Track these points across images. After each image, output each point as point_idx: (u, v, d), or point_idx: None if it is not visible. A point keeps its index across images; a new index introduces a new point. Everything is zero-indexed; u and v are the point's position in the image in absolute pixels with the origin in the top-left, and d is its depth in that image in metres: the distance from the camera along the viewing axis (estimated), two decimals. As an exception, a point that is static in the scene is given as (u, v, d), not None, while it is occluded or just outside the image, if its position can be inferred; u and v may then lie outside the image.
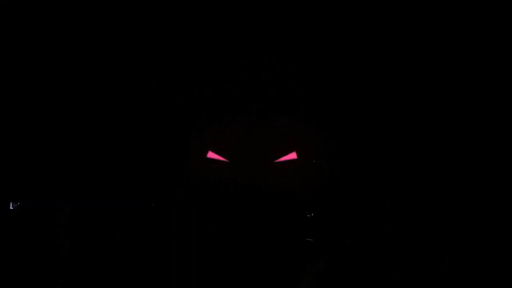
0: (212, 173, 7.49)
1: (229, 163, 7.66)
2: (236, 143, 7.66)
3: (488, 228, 5.97)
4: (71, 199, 6.86)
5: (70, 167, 7.42)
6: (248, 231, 6.21)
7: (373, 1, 7.36)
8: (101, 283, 5.90)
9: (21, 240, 6.28)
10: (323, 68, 7.65)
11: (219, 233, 6.31)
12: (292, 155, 7.59)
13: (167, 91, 7.79)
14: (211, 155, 7.70)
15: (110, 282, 5.90)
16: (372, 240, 5.85)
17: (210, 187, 7.17)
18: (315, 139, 7.51)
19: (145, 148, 7.74)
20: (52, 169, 7.27)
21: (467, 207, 6.22)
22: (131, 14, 7.58)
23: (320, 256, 5.61)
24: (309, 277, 5.32)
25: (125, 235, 6.43)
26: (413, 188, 6.78)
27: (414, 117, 7.38)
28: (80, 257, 6.12)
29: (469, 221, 6.06)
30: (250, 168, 7.52)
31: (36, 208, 6.68)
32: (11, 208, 6.75)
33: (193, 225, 6.63)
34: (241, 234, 6.19)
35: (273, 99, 7.68)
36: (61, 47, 7.65)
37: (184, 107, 7.76)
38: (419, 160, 7.10)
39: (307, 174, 7.29)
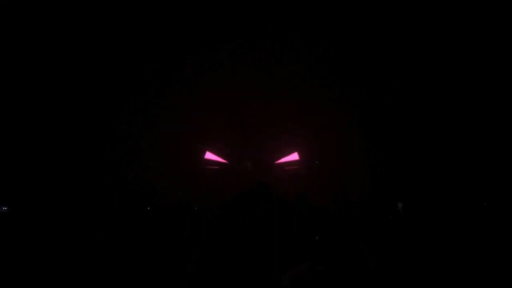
0: (210, 174, 7.14)
1: (228, 164, 7.44)
2: (236, 143, 7.35)
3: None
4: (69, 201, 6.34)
5: (66, 168, 6.93)
6: (247, 233, 5.66)
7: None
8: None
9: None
10: (324, 68, 7.26)
11: (218, 235, 5.77)
12: (294, 156, 7.28)
13: (167, 91, 7.40)
14: (209, 156, 7.39)
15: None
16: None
17: (208, 189, 6.65)
18: (319, 139, 7.13)
19: (143, 148, 7.31)
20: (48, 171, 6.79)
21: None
22: (131, 14, 7.20)
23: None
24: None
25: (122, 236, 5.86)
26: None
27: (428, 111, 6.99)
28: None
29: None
30: (250, 169, 7.25)
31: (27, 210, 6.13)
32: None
33: (193, 227, 6.08)
34: (241, 236, 5.64)
35: (275, 97, 7.30)
36: (61, 47, 7.27)
37: (180, 105, 7.37)
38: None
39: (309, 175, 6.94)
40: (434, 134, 6.94)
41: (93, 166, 7.08)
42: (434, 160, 6.85)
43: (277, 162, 7.27)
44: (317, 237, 5.30)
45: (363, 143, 7.12)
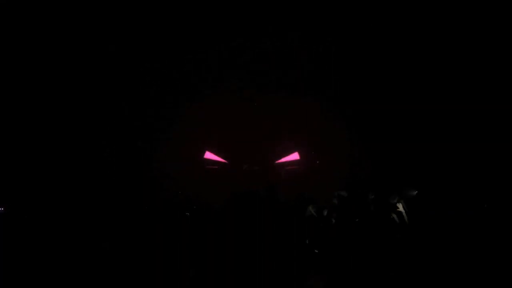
0: (209, 174, 7.05)
1: (228, 164, 7.34)
2: (236, 143, 7.25)
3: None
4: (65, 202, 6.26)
5: (66, 170, 6.86)
6: (246, 234, 5.58)
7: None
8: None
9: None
10: (331, 65, 7.20)
11: (217, 236, 5.69)
12: (295, 156, 7.17)
13: (165, 90, 7.34)
14: (208, 155, 7.28)
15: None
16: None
17: (207, 189, 6.55)
18: (319, 139, 7.05)
19: (141, 149, 7.24)
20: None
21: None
22: (131, 14, 7.15)
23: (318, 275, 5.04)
24: None
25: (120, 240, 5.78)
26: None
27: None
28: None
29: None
30: (249, 169, 7.16)
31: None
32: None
33: (191, 228, 5.99)
34: (240, 236, 5.56)
35: (275, 96, 7.23)
36: (61, 47, 7.21)
37: (179, 105, 7.33)
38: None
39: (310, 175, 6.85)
40: (436, 136, 6.87)
41: (92, 166, 7.01)
42: (435, 161, 6.79)
43: (277, 161, 7.18)
44: (307, 241, 5.23)
45: (363, 143, 7.04)
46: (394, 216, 5.23)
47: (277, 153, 7.14)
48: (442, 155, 6.79)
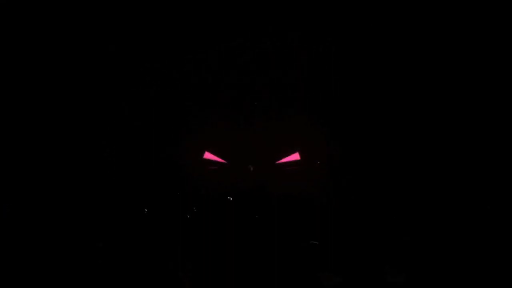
0: (209, 175, 7.03)
1: (227, 164, 7.32)
2: (235, 143, 7.23)
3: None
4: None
5: (64, 168, 6.84)
6: (247, 236, 5.60)
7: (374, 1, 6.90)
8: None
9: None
10: (331, 65, 7.11)
11: (217, 238, 5.72)
12: (295, 156, 7.14)
13: (165, 90, 7.30)
14: (207, 156, 7.25)
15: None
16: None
17: (207, 190, 6.54)
18: (320, 139, 7.01)
19: (141, 149, 7.20)
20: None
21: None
22: (130, 14, 7.14)
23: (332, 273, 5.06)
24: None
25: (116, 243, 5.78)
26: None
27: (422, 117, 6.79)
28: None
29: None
30: (250, 170, 7.13)
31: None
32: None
33: (190, 230, 6.02)
34: (241, 239, 5.59)
35: (275, 96, 7.17)
36: (61, 47, 7.20)
37: (179, 105, 7.22)
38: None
39: (311, 176, 6.81)
40: (437, 136, 6.83)
41: (92, 166, 6.99)
42: (434, 162, 6.74)
43: (278, 162, 7.14)
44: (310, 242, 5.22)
45: (364, 143, 7.00)
46: None
47: (277, 154, 7.09)
48: (443, 155, 6.75)
